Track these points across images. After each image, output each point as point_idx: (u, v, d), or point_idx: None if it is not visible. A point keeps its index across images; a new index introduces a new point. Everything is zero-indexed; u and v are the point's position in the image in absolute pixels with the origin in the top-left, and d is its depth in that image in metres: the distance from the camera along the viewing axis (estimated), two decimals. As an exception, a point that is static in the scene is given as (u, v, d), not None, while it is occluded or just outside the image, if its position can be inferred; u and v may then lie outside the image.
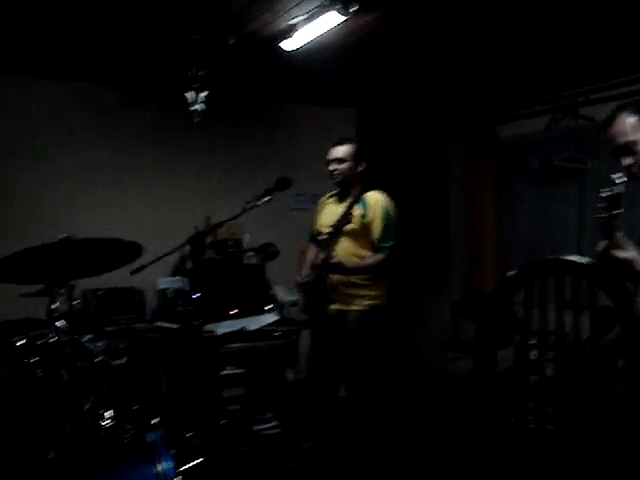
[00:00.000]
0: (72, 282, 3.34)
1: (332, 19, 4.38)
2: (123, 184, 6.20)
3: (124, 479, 2.88)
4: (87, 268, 3.36)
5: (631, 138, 2.55)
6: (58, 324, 3.33)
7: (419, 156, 7.47)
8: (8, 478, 2.87)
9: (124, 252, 3.40)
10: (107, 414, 3.12)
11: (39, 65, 5.50)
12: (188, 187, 6.47)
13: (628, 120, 2.57)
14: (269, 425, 5.26)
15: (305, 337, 5.17)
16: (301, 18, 4.48)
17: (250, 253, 6.10)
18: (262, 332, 5.18)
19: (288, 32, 4.67)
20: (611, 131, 2.63)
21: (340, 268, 4.07)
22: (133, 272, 3.38)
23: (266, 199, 3.61)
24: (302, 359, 5.33)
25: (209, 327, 4.97)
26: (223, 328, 5.06)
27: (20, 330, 4.28)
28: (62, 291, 3.32)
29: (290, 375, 5.64)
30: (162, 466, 2.89)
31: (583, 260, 2.46)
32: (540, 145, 6.27)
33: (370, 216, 4.12)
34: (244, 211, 3.59)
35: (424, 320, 7.44)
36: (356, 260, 4.14)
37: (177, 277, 5.84)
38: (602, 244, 2.46)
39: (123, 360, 3.87)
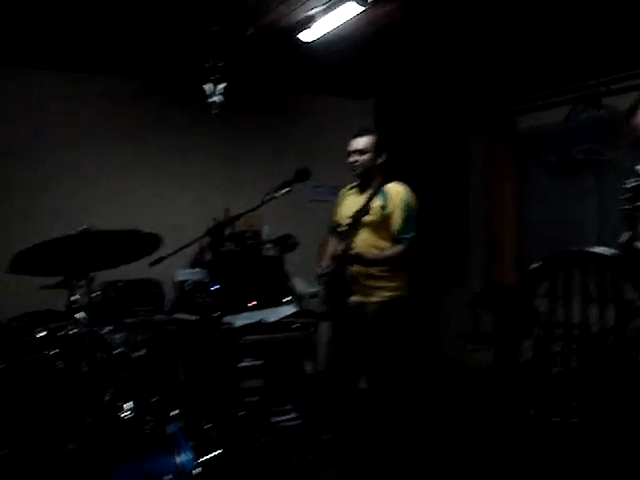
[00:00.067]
0: (91, 274, 3.34)
1: (351, 10, 4.35)
2: (142, 176, 6.20)
3: (144, 470, 2.88)
4: (106, 260, 3.36)
5: None
6: (78, 316, 3.35)
7: (438, 147, 7.43)
8: (30, 469, 2.88)
9: (143, 244, 3.40)
10: (126, 406, 3.14)
11: (55, 58, 5.51)
12: (207, 179, 6.46)
13: None
14: (288, 417, 5.25)
15: (323, 329, 5.16)
16: (319, 9, 4.45)
17: (269, 245, 6.09)
18: (280, 324, 5.18)
19: (306, 23, 4.65)
20: (634, 121, 2.58)
21: (359, 259, 4.06)
22: (152, 264, 3.38)
23: (285, 191, 3.59)
24: (320, 351, 5.32)
25: (228, 319, 4.98)
26: (241, 320, 5.07)
27: (40, 322, 4.31)
28: (81, 283, 3.33)
29: (308, 367, 5.63)
30: (181, 457, 2.89)
31: (608, 252, 2.43)
32: (560, 136, 6.21)
33: (390, 207, 4.10)
34: (263, 203, 3.57)
35: (444, 311, 7.41)
36: (375, 252, 4.12)
37: (196, 269, 5.85)
38: (625, 235, 2.42)
39: (142, 352, 3.88)
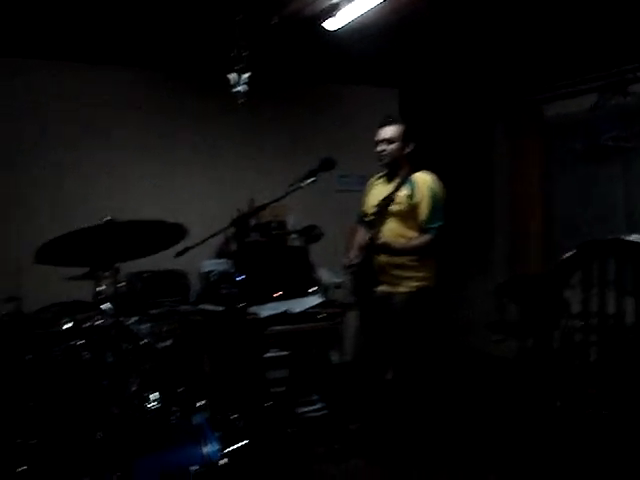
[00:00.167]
0: (117, 265, 3.35)
1: (375, -3, 4.31)
2: (167, 167, 6.20)
3: (170, 461, 2.89)
4: (131, 250, 3.37)
5: None
6: (103, 307, 3.35)
7: (463, 136, 7.37)
8: (57, 458, 2.90)
9: (168, 234, 3.40)
10: (153, 396, 3.14)
11: (80, 51, 5.53)
12: (232, 169, 6.45)
13: None
14: (314, 407, 5.25)
15: (350, 319, 5.15)
16: (344, -3, 4.41)
17: (294, 235, 6.08)
18: (306, 314, 5.17)
19: (331, 11, 4.61)
20: None
21: (386, 249, 4.05)
22: (177, 254, 3.38)
23: (310, 180, 3.58)
24: (346, 341, 5.31)
25: (253, 309, 4.99)
26: (267, 310, 5.06)
27: (68, 313, 4.33)
28: (107, 274, 3.33)
29: (334, 357, 5.62)
30: (207, 448, 2.89)
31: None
32: (586, 124, 6.13)
33: (418, 197, 4.08)
34: (288, 193, 3.56)
35: (468, 301, 7.37)
36: (403, 241, 4.10)
37: (221, 259, 5.84)
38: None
39: (168, 342, 3.89)
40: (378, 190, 4.32)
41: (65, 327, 3.40)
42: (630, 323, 2.49)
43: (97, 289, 3.32)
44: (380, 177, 4.40)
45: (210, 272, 5.72)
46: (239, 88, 4.85)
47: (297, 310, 5.11)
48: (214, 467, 2.85)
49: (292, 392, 5.25)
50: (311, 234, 4.13)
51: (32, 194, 5.65)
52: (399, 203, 4.09)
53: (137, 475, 2.80)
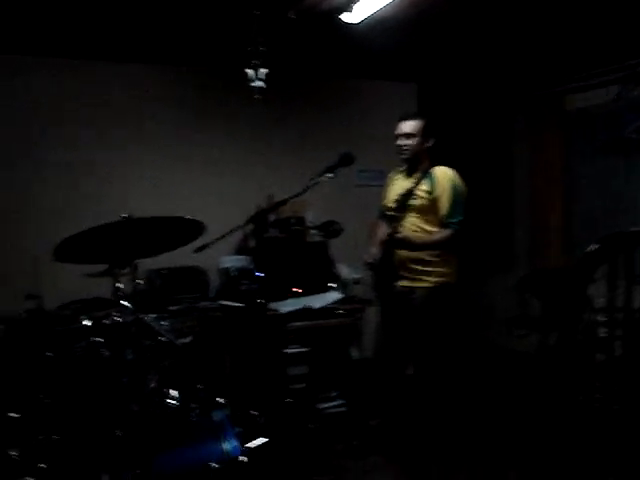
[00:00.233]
0: (135, 262, 3.34)
1: (393, -10, 4.28)
2: (185, 163, 6.20)
3: (190, 457, 2.89)
4: (150, 247, 3.36)
5: None
6: (123, 304, 3.35)
7: (483, 129, 7.33)
8: (77, 455, 2.90)
9: (187, 230, 3.40)
10: (172, 393, 3.14)
11: (101, 49, 5.54)
12: (250, 165, 6.44)
13: None
14: (334, 403, 5.24)
15: (369, 315, 5.13)
16: (361, -10, 4.39)
17: (313, 231, 6.06)
18: (326, 310, 5.15)
19: (348, 5, 4.58)
20: None
21: (406, 243, 4.03)
22: (196, 250, 3.38)
23: (329, 176, 3.57)
24: (366, 337, 5.28)
25: (273, 306, 4.97)
26: (287, 306, 5.05)
27: (88, 310, 4.34)
28: (126, 271, 3.33)
29: (355, 353, 5.60)
30: (227, 444, 2.89)
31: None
32: (608, 116, 6.07)
33: (438, 192, 4.06)
34: (307, 188, 3.55)
35: (489, 296, 7.33)
36: (423, 236, 4.08)
37: (240, 256, 5.84)
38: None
39: (187, 339, 3.89)
40: (398, 185, 4.31)
41: (85, 324, 3.40)
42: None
43: (116, 286, 3.31)
44: (400, 172, 4.38)
45: (229, 268, 5.71)
46: (257, 83, 4.83)
47: (317, 306, 5.10)
48: (234, 463, 2.85)
49: (312, 388, 5.25)
50: (330, 229, 4.13)
51: (45, 194, 5.70)
52: (419, 197, 4.07)
53: (157, 471, 2.80)
